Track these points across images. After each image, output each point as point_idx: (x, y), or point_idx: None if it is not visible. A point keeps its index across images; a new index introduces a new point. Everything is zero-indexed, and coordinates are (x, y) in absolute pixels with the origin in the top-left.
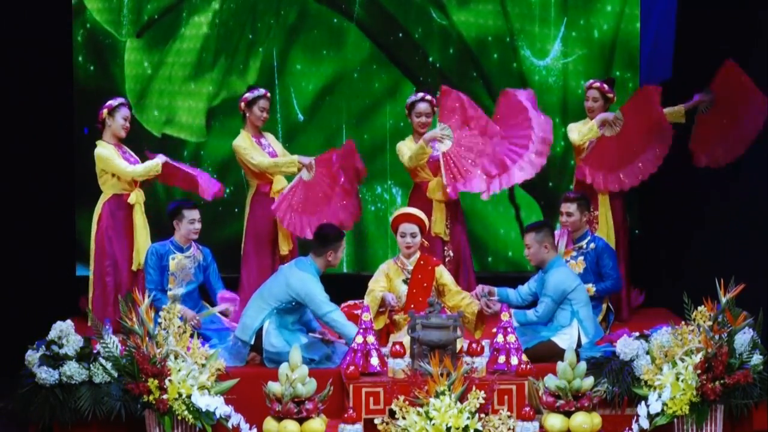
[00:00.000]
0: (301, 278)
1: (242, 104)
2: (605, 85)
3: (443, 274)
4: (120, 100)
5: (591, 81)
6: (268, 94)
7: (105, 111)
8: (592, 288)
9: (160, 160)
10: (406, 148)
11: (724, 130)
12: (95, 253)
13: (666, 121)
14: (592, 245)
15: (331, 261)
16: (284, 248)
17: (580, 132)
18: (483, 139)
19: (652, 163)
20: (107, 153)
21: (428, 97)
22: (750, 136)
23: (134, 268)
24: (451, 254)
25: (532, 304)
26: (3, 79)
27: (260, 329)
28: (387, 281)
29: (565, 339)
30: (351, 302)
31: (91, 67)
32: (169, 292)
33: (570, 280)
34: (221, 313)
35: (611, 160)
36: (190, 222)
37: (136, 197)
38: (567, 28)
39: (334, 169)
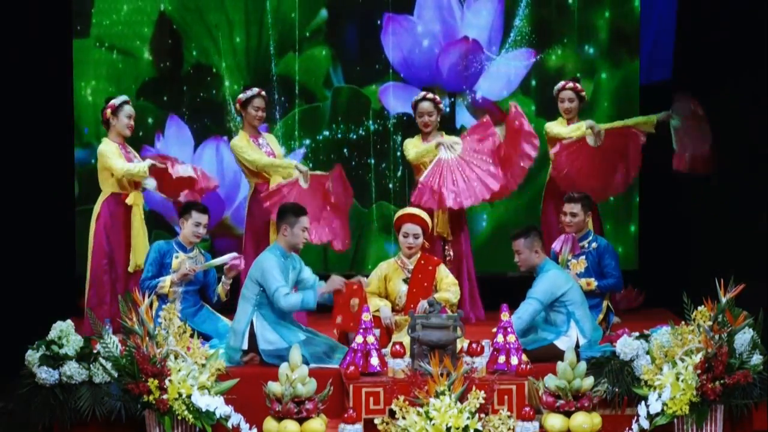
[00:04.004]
0: (259, 258)
1: (237, 105)
2: (578, 85)
3: (442, 273)
4: (123, 98)
5: (562, 83)
6: (263, 93)
7: (108, 110)
8: (593, 282)
9: (147, 163)
10: (412, 146)
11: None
12: (93, 251)
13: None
14: (594, 245)
15: (288, 238)
16: None
17: (568, 129)
18: (486, 172)
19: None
20: (107, 150)
21: (430, 95)
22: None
23: (130, 269)
24: (451, 254)
25: None
26: (3, 79)
27: (251, 330)
28: (384, 282)
29: (565, 342)
30: None
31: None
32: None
33: (561, 282)
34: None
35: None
36: (196, 224)
37: (134, 198)
38: (566, 28)
39: (325, 187)
